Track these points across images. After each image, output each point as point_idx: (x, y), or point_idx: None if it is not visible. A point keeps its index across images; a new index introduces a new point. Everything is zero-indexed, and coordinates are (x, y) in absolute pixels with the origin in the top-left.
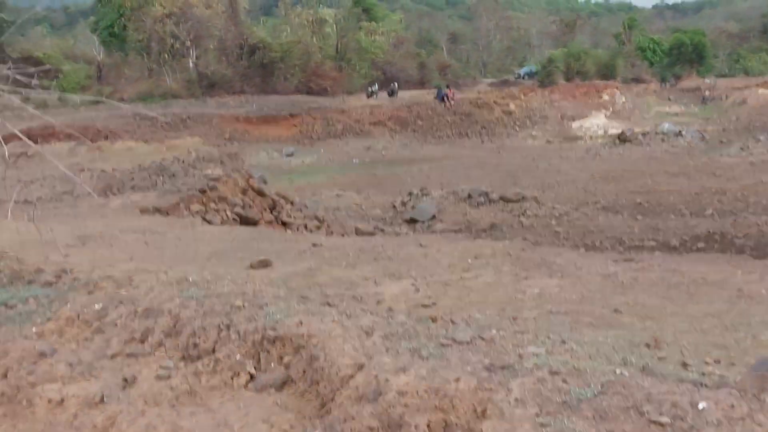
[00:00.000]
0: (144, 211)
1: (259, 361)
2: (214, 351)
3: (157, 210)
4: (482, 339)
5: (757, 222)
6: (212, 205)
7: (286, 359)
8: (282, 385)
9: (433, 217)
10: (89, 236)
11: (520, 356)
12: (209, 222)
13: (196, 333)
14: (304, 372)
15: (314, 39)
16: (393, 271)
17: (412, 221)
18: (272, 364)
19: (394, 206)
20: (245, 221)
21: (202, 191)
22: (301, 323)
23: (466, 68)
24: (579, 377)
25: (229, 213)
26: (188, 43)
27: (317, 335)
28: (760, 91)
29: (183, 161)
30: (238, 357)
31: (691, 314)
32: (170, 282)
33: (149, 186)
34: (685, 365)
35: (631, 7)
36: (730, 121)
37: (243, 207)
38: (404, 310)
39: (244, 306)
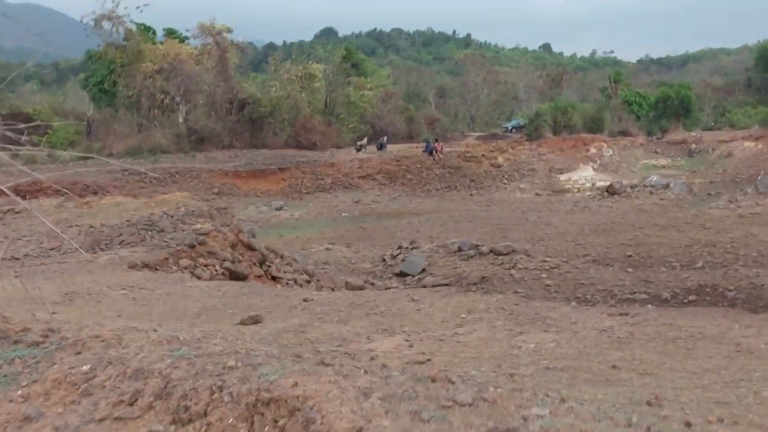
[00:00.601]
0: (132, 266)
1: (252, 424)
2: (206, 414)
3: (146, 265)
4: (484, 400)
5: (749, 275)
6: (201, 260)
7: (281, 422)
8: None
9: (423, 270)
10: (77, 293)
11: (525, 418)
12: (198, 277)
13: (188, 395)
14: None
15: (303, 94)
16: (386, 327)
17: (402, 275)
18: (267, 428)
19: (384, 260)
20: (234, 276)
21: (191, 246)
22: (297, 384)
23: (454, 122)
24: None
25: (218, 268)
26: (178, 99)
27: (313, 397)
28: (746, 143)
29: (172, 216)
30: (231, 420)
31: (690, 370)
32: (160, 341)
33: (137, 241)
34: (688, 425)
35: (616, 62)
36: (716, 174)
37: (232, 262)
38: (399, 366)
39: (236, 366)
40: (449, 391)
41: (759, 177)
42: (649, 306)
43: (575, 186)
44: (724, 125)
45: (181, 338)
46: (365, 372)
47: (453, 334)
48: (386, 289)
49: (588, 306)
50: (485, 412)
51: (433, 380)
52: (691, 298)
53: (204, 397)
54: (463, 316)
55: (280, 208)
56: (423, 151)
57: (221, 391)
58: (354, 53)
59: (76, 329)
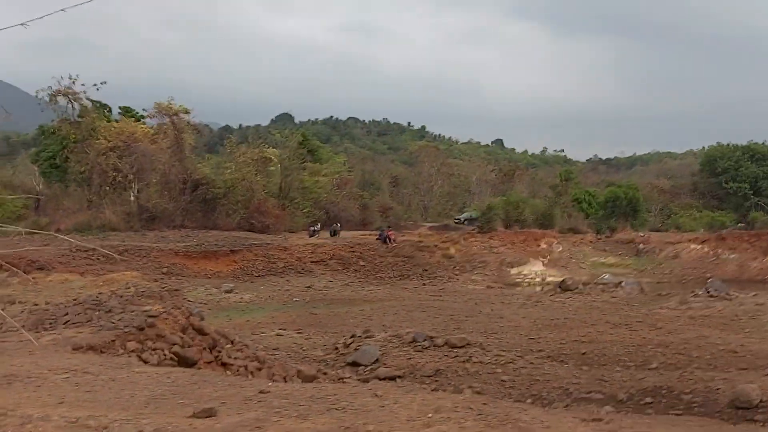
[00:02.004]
0: (77, 348)
1: None
2: None
3: (91, 348)
4: None
5: (704, 378)
6: (149, 343)
7: None
8: None
9: (377, 360)
10: (16, 376)
11: None
12: (146, 361)
13: None
14: None
15: (258, 177)
16: (348, 425)
17: (355, 364)
18: None
19: (337, 348)
20: (184, 361)
21: (140, 329)
22: None
23: (408, 211)
24: None
25: (167, 352)
26: (130, 177)
27: None
28: (693, 246)
29: (121, 296)
30: None
31: None
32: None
33: (84, 321)
34: None
35: (566, 160)
36: (664, 274)
37: (182, 346)
38: None
39: None
40: None
41: (710, 280)
42: (607, 407)
43: (526, 280)
44: (670, 227)
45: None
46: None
47: None
48: (339, 379)
49: (545, 404)
50: None
51: None
52: (648, 399)
53: None
54: (430, 415)
55: (230, 291)
56: (377, 239)
57: None
58: (310, 139)
59: (18, 424)
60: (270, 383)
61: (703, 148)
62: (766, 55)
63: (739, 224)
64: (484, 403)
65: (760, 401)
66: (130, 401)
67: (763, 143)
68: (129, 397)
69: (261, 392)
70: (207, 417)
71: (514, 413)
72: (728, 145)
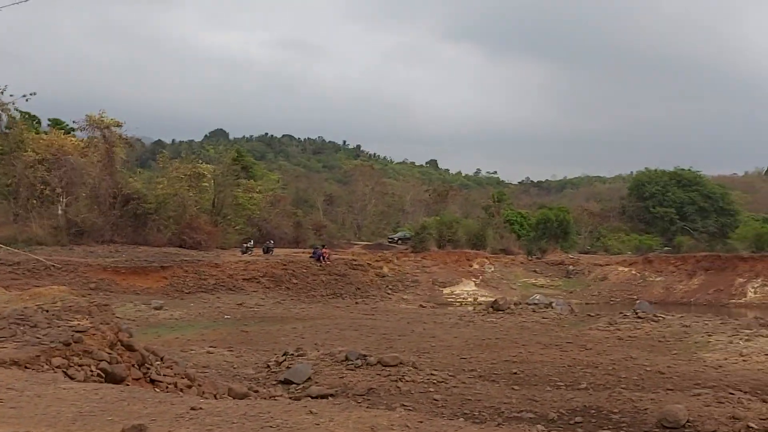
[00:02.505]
0: (0, 363)
1: None
2: None
3: (15, 363)
4: None
5: (632, 398)
6: (76, 359)
7: None
8: None
9: (309, 378)
10: None
11: None
12: (72, 378)
13: None
14: None
15: (191, 192)
16: None
17: (287, 382)
18: None
19: (268, 366)
20: (111, 378)
21: (66, 344)
22: None
23: (342, 229)
24: None
25: (93, 369)
26: (59, 190)
27: None
28: (621, 268)
29: (47, 311)
30: None
31: None
32: None
33: (7, 336)
34: None
35: (499, 182)
36: (592, 296)
37: (110, 362)
38: None
39: None
40: None
41: (637, 302)
42: (538, 426)
43: (458, 300)
44: (599, 249)
45: None
46: None
47: None
48: (271, 397)
49: (477, 423)
50: None
51: None
52: (577, 419)
53: None
54: None
55: (159, 308)
56: (310, 257)
57: None
58: (244, 156)
59: None
60: (201, 400)
61: (632, 172)
62: (696, 82)
63: (666, 248)
64: (420, 421)
65: (687, 421)
66: (57, 417)
67: (689, 169)
68: (55, 414)
69: (192, 409)
70: None
71: (450, 431)
72: (656, 170)
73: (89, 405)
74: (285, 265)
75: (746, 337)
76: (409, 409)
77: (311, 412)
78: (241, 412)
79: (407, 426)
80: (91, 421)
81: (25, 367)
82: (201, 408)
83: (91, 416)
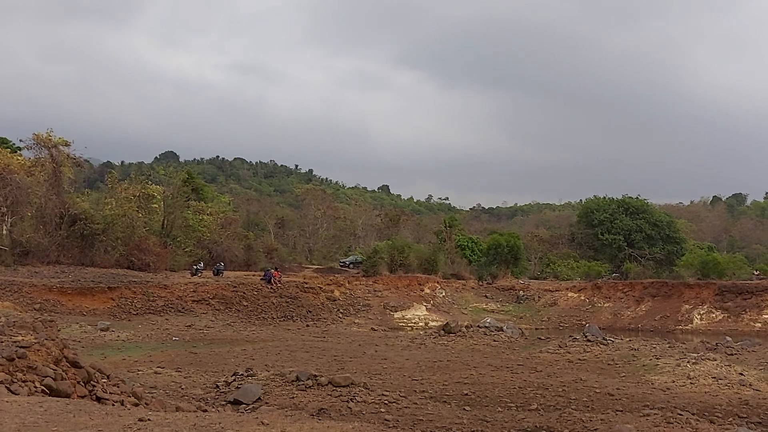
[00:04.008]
0: None
1: None
2: None
3: None
4: None
5: (582, 419)
6: (20, 375)
7: None
8: None
9: (259, 399)
10: None
11: None
12: (15, 393)
13: None
14: None
15: (140, 213)
16: None
17: (236, 402)
18: None
19: (217, 386)
20: (55, 395)
21: (10, 359)
22: None
23: (293, 253)
24: None
25: (37, 385)
26: (4, 209)
27: None
28: (570, 294)
29: None
30: None
31: None
32: None
33: None
34: None
35: (450, 208)
36: (542, 321)
37: (54, 379)
38: None
39: None
40: None
41: (587, 325)
42: None
43: (409, 324)
44: (549, 275)
45: None
46: None
47: None
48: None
49: None
50: None
51: None
52: None
53: None
54: None
55: (106, 329)
56: (261, 279)
57: None
58: (195, 178)
59: None
60: (150, 413)
61: (581, 200)
62: (644, 114)
63: (614, 274)
64: None
65: None
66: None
67: (636, 197)
68: None
69: (141, 420)
70: None
71: None
72: (604, 198)
73: (33, 417)
74: (235, 287)
75: (693, 361)
76: (384, 425)
77: (263, 423)
78: (191, 423)
79: None
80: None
81: None
82: (149, 419)
83: (36, 427)
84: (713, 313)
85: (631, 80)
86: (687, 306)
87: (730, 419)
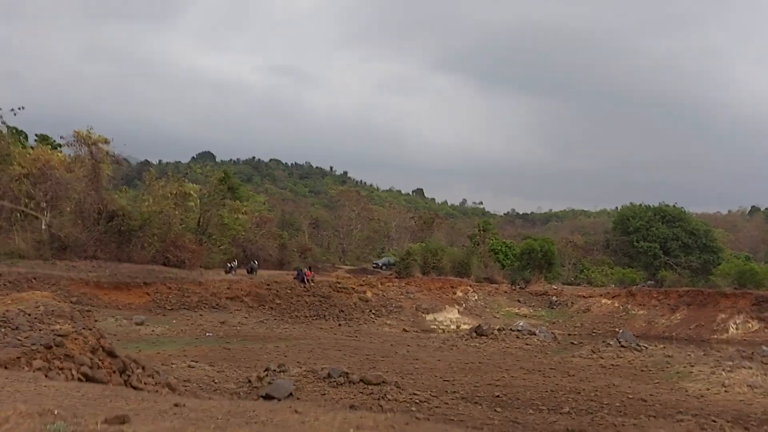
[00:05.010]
0: None
1: None
2: None
3: None
4: None
5: (614, 423)
6: (57, 362)
7: None
8: None
9: (291, 394)
10: None
11: None
12: (52, 380)
13: None
14: None
15: (177, 211)
16: None
17: (268, 397)
18: None
19: (250, 381)
20: (92, 382)
21: (48, 347)
22: None
23: (326, 253)
24: None
25: (74, 372)
26: (43, 204)
27: None
28: (603, 301)
29: (29, 314)
30: None
31: None
32: (30, 414)
33: None
34: None
35: (484, 212)
36: (575, 327)
37: (91, 367)
38: None
39: None
40: None
41: (621, 331)
42: None
43: (441, 326)
44: (582, 281)
45: (57, 412)
46: None
47: None
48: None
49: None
50: None
51: None
52: None
53: None
54: (351, 431)
55: (141, 323)
56: (294, 278)
57: None
58: (231, 177)
59: None
60: (185, 399)
61: (617, 207)
62: (683, 124)
63: (649, 282)
64: (406, 423)
65: None
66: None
67: (673, 205)
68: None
69: (176, 405)
70: (119, 423)
71: None
72: (640, 205)
73: (70, 401)
74: (269, 285)
75: (728, 369)
76: (413, 416)
77: (296, 412)
78: (226, 409)
79: (393, 427)
80: (73, 413)
81: (5, 368)
82: (185, 405)
83: (73, 410)
84: (749, 323)
85: (671, 89)
86: (723, 315)
87: (765, 428)
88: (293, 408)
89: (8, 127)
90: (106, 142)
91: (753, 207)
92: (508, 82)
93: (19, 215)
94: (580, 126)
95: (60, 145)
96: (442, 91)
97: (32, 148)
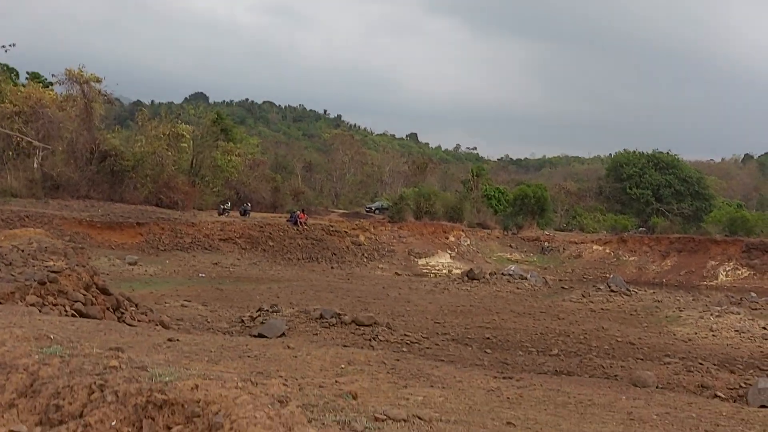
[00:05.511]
0: None
1: (140, 429)
2: (82, 415)
3: None
4: (420, 419)
5: (603, 365)
6: (51, 298)
7: (175, 429)
8: None
9: (283, 334)
10: None
11: None
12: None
13: (60, 393)
14: None
15: (169, 152)
16: (261, 370)
17: (261, 336)
18: None
19: (242, 320)
20: (85, 318)
21: (41, 283)
22: (197, 387)
23: (319, 197)
24: None
25: (68, 308)
26: (35, 143)
27: (218, 402)
28: (595, 247)
29: (22, 251)
30: (113, 423)
31: None
32: (27, 337)
33: None
34: None
35: (478, 158)
36: (566, 272)
37: (84, 304)
38: None
39: (120, 367)
40: (380, 404)
41: (611, 276)
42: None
43: (432, 270)
44: (574, 227)
45: (53, 336)
46: (278, 373)
47: (334, 383)
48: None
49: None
50: (424, 428)
51: (354, 397)
52: None
53: (81, 396)
54: (343, 366)
55: (134, 263)
56: (287, 221)
57: (102, 391)
58: (224, 119)
59: None
60: (178, 334)
61: (610, 154)
62: (679, 69)
63: (641, 228)
64: (397, 360)
65: (657, 386)
66: None
67: (667, 153)
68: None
69: (170, 339)
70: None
71: (427, 369)
72: (634, 152)
73: (65, 333)
74: (262, 227)
75: (717, 314)
76: (403, 352)
77: (289, 347)
78: (219, 344)
79: (384, 362)
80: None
81: None
82: (178, 340)
83: (68, 342)
84: (739, 270)
85: (668, 35)
86: (713, 262)
87: (751, 371)
88: (286, 343)
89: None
90: (98, 81)
91: (746, 155)
92: (504, 26)
93: (11, 154)
94: (576, 71)
95: (51, 84)
96: (437, 35)
97: (23, 86)
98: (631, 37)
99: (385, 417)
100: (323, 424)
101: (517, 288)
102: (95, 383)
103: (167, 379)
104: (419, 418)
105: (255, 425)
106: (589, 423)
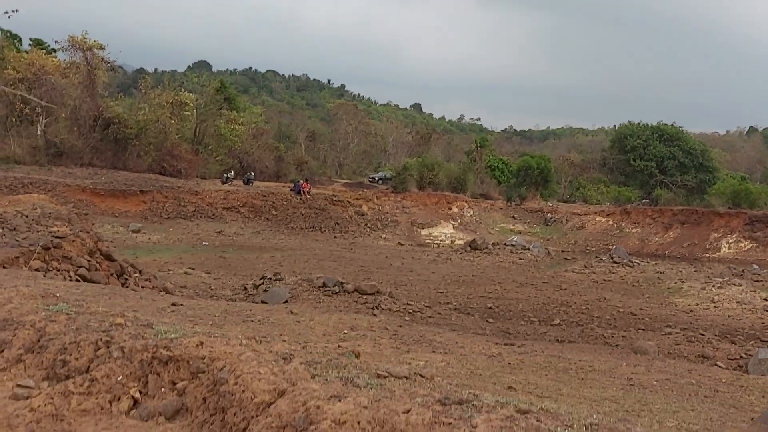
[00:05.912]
0: None
1: (146, 384)
2: (88, 370)
3: None
4: (422, 376)
5: (604, 335)
6: (55, 263)
7: (180, 385)
8: (175, 413)
9: (286, 302)
10: None
11: (474, 395)
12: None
13: (67, 349)
14: (204, 400)
15: (173, 120)
16: (264, 335)
17: (263, 304)
18: (163, 390)
19: (245, 288)
20: (89, 283)
21: (46, 248)
22: (202, 344)
23: (323, 167)
24: (555, 418)
25: (72, 274)
26: (39, 110)
27: (222, 358)
28: (598, 218)
29: (26, 216)
30: (119, 378)
31: (588, 397)
32: (33, 295)
33: None
34: None
35: (482, 129)
36: (569, 243)
37: (88, 269)
38: None
39: (126, 324)
40: (382, 363)
41: (614, 247)
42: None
43: (435, 241)
44: (578, 199)
45: (59, 295)
46: (281, 338)
47: (337, 347)
48: None
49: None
50: (426, 385)
51: (357, 356)
52: None
53: (87, 352)
54: (346, 332)
55: (137, 231)
56: (291, 190)
57: (108, 347)
58: (228, 87)
59: None
60: (182, 299)
61: (615, 126)
62: (685, 41)
63: (644, 200)
64: (399, 326)
65: (657, 356)
66: None
67: (672, 124)
68: None
69: (173, 304)
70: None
71: (429, 335)
72: (638, 124)
73: (71, 297)
74: (265, 196)
75: (718, 285)
76: (405, 319)
77: (292, 312)
78: (222, 308)
79: (386, 328)
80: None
81: (3, 267)
82: (182, 304)
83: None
84: (742, 242)
85: (674, 7)
86: (716, 234)
87: (752, 342)
88: (289, 309)
89: (2, 30)
90: (102, 48)
91: (751, 127)
92: None
93: (14, 120)
94: (581, 42)
95: (54, 50)
96: (442, 4)
97: (26, 52)
98: (638, 8)
99: (387, 374)
100: (326, 379)
101: (520, 259)
102: (101, 339)
103: (173, 336)
104: (421, 376)
105: (259, 380)
106: (590, 388)
